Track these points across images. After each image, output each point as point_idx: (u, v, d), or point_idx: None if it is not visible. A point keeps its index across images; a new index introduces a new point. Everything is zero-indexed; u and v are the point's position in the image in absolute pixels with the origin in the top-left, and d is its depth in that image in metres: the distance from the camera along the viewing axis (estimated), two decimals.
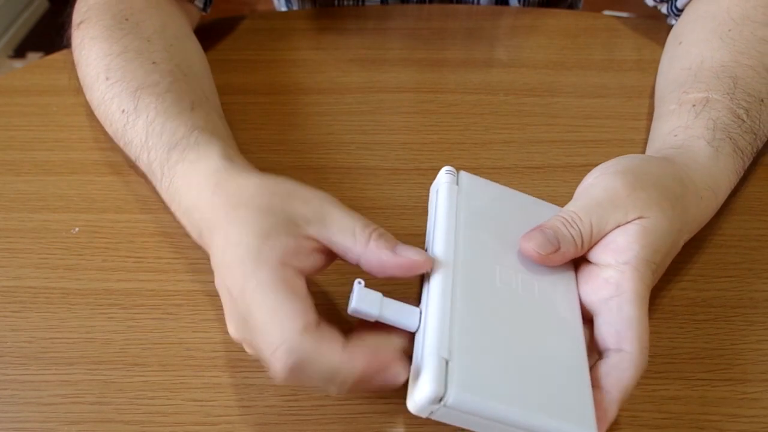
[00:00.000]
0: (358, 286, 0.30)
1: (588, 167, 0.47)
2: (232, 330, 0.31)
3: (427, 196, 0.45)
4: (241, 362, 0.36)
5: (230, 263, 0.30)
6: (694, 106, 0.42)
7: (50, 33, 1.96)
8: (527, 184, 0.46)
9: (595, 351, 0.32)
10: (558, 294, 0.33)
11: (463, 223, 0.34)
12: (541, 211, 0.37)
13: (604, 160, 0.47)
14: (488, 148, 0.49)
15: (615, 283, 0.32)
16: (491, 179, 0.46)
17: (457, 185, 0.36)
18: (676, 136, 0.41)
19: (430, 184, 0.46)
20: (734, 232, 0.42)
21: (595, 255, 0.34)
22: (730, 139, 0.40)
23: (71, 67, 0.49)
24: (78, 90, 0.49)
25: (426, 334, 0.29)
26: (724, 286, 0.39)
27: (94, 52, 0.45)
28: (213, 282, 0.40)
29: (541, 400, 0.28)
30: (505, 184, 0.45)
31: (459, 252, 0.32)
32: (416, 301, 0.32)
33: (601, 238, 0.33)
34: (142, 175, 0.44)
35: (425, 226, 0.43)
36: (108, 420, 0.34)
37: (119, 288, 0.40)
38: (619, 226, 0.33)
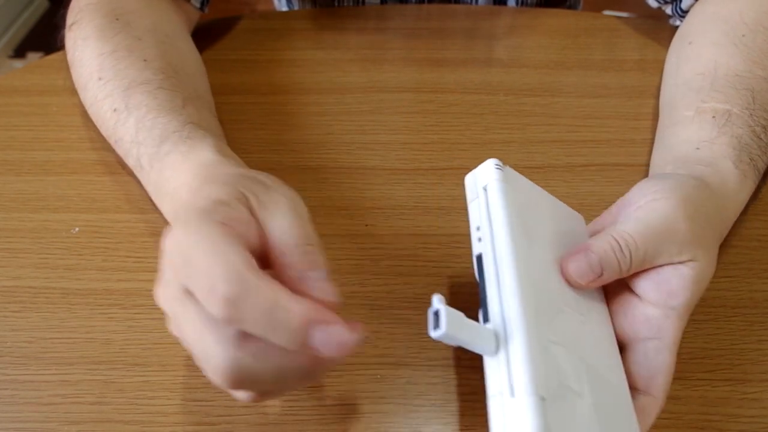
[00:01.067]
0: (444, 307, 0.25)
1: (588, 167, 0.47)
2: (159, 292, 0.28)
3: (428, 195, 0.45)
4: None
5: (175, 221, 0.29)
6: (714, 117, 0.41)
7: (50, 33, 1.95)
8: None
9: None
10: (598, 315, 0.32)
11: (520, 230, 0.30)
12: (572, 221, 0.35)
13: (604, 160, 0.47)
14: (488, 148, 0.48)
15: (657, 326, 0.31)
16: None
17: (506, 181, 0.32)
18: (698, 149, 0.40)
19: (430, 184, 0.46)
20: (734, 232, 0.42)
21: (641, 288, 0.32)
22: (752, 161, 0.39)
23: (68, 68, 0.49)
24: (75, 90, 0.49)
25: (514, 365, 0.26)
26: (724, 286, 0.39)
27: (87, 52, 0.45)
28: None
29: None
30: None
31: (528, 267, 0.29)
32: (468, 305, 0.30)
33: (648, 269, 0.32)
34: (132, 173, 0.44)
35: (429, 224, 0.43)
36: (108, 420, 0.34)
37: (119, 288, 0.40)
38: (671, 265, 0.32)
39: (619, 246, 0.31)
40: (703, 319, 0.38)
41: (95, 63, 0.44)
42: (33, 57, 1.88)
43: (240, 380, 0.26)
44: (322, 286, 0.28)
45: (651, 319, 0.32)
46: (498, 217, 0.30)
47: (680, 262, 0.32)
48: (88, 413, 0.34)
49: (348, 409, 0.34)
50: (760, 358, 0.36)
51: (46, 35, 1.96)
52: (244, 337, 0.25)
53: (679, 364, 0.36)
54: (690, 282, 0.31)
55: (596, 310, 0.32)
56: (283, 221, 0.29)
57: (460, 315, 0.26)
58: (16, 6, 1.96)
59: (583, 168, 0.47)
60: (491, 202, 0.31)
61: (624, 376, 0.31)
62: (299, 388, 0.31)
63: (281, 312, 0.25)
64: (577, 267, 0.31)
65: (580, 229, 0.36)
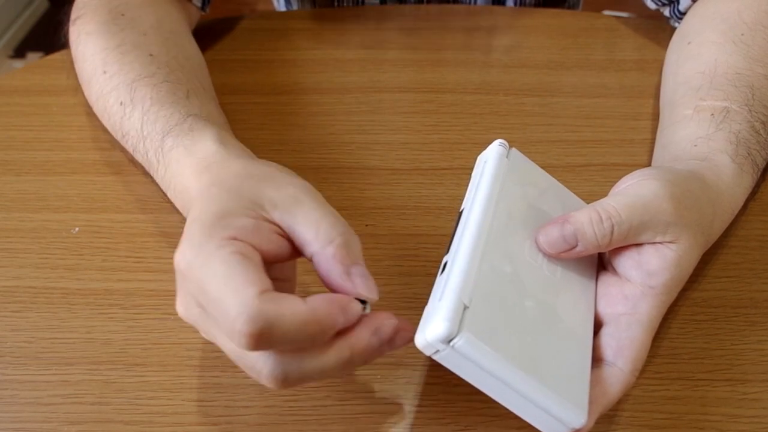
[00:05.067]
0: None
1: (588, 167, 0.47)
2: (181, 309, 0.30)
3: (427, 195, 0.45)
4: None
5: (183, 239, 0.29)
6: (713, 115, 0.41)
7: (50, 33, 1.95)
8: None
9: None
10: (577, 283, 0.33)
11: (505, 195, 0.34)
12: (572, 205, 0.37)
13: (604, 160, 0.47)
14: None
15: (633, 302, 0.32)
16: None
17: (507, 158, 0.36)
18: (696, 146, 0.40)
19: (430, 183, 0.46)
20: (734, 232, 0.42)
21: (622, 267, 0.33)
22: (750, 155, 0.39)
23: (70, 67, 0.49)
24: (77, 89, 0.49)
25: (450, 277, 0.29)
26: (724, 286, 0.39)
27: (90, 47, 0.45)
28: None
29: (543, 371, 0.28)
30: None
31: (496, 218, 0.32)
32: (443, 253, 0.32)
33: (630, 248, 0.33)
34: (142, 169, 0.44)
35: (429, 224, 0.43)
36: (108, 420, 0.34)
37: (119, 288, 0.40)
38: (653, 244, 0.32)
39: (600, 218, 0.31)
40: (703, 319, 0.38)
41: (99, 57, 0.44)
42: (33, 57, 1.88)
43: (287, 382, 0.28)
44: (365, 283, 0.29)
45: (628, 297, 0.32)
46: (483, 182, 0.33)
47: (662, 243, 0.32)
48: (88, 413, 0.34)
49: (348, 409, 0.34)
50: (760, 358, 0.36)
51: (46, 35, 1.96)
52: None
53: (679, 364, 0.36)
54: (671, 263, 0.32)
55: (577, 285, 0.33)
56: (307, 217, 0.29)
57: None
58: (16, 6, 1.96)
59: (583, 168, 0.47)
60: (485, 172, 0.34)
61: (589, 342, 0.32)
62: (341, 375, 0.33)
63: (310, 326, 0.26)
64: (547, 236, 0.32)
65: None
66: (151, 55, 0.44)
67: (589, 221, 0.32)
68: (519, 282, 0.31)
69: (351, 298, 0.28)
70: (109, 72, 0.43)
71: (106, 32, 0.46)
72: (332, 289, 0.29)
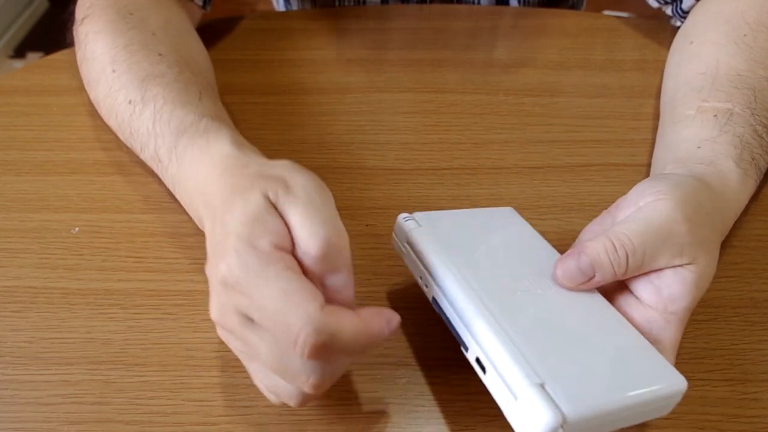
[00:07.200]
0: None
1: (588, 167, 0.47)
2: (216, 315, 0.30)
3: (428, 195, 0.45)
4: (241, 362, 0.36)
5: (224, 252, 0.29)
6: (716, 116, 0.41)
7: (50, 33, 1.95)
8: (527, 184, 0.46)
9: None
10: (581, 293, 0.33)
11: (452, 257, 0.33)
12: (503, 219, 0.37)
13: (604, 160, 0.47)
14: (488, 148, 0.49)
15: (657, 330, 0.32)
16: (491, 179, 0.46)
17: (420, 225, 0.35)
18: (700, 147, 0.40)
19: (430, 183, 0.46)
20: (734, 232, 0.42)
21: (641, 292, 0.33)
22: (753, 160, 0.39)
23: (72, 67, 0.49)
24: (78, 90, 0.49)
25: (504, 373, 0.28)
26: (724, 286, 0.39)
27: (99, 45, 0.45)
28: None
29: (630, 376, 0.28)
30: (505, 185, 0.45)
31: (470, 284, 0.31)
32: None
33: (648, 272, 0.32)
34: (143, 169, 0.44)
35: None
36: (108, 420, 0.34)
37: (119, 288, 0.40)
38: (671, 268, 0.32)
39: (614, 247, 0.31)
40: (703, 319, 0.38)
41: (108, 56, 0.45)
42: (33, 57, 1.88)
43: (325, 386, 0.29)
44: (336, 295, 0.29)
45: (651, 322, 0.32)
46: (428, 261, 0.33)
47: (680, 265, 0.32)
48: (88, 413, 0.34)
49: (348, 410, 0.34)
50: (760, 358, 0.36)
51: (46, 35, 1.96)
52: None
53: (679, 364, 0.36)
54: (691, 286, 0.31)
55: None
56: (297, 220, 0.30)
57: None
58: (16, 6, 1.96)
59: (583, 168, 0.47)
60: (417, 252, 0.34)
61: (629, 326, 0.32)
62: None
63: (362, 338, 0.28)
64: (565, 270, 0.32)
65: (513, 220, 0.38)
66: (160, 54, 0.44)
67: (604, 250, 0.31)
68: (545, 322, 0.30)
69: (393, 312, 0.29)
70: (118, 70, 0.43)
71: (114, 31, 0.46)
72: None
